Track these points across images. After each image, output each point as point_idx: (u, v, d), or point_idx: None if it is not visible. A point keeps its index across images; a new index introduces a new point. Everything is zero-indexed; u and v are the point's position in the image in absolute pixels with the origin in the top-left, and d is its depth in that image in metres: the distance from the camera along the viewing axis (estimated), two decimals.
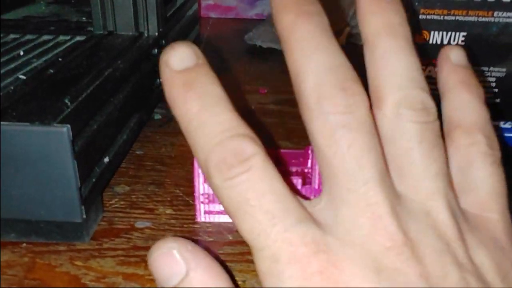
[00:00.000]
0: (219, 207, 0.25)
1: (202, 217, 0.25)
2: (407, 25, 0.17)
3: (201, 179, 0.24)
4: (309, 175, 0.27)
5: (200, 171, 0.24)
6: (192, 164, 0.25)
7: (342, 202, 0.15)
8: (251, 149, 0.14)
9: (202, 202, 0.25)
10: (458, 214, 0.16)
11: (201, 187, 0.25)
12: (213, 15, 0.71)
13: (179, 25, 0.45)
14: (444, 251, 0.14)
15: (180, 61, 0.16)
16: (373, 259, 0.14)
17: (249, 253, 0.23)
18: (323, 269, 0.14)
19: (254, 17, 0.70)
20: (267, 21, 0.58)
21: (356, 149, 0.14)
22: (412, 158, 0.15)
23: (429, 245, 0.14)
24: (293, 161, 0.28)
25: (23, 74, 0.27)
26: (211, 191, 0.24)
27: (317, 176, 0.25)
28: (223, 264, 0.19)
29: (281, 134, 0.36)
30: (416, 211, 0.15)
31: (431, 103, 0.16)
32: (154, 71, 0.36)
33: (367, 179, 0.14)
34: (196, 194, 0.25)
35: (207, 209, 0.25)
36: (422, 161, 0.15)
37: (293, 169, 0.27)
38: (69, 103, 0.23)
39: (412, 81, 0.16)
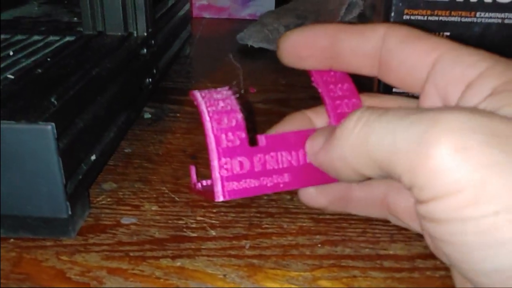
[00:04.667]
0: (241, 179, 0.20)
1: (225, 195, 0.20)
2: None
3: (218, 143, 0.19)
4: None
5: (215, 133, 0.19)
6: (203, 125, 0.20)
7: None
8: None
9: (220, 174, 0.20)
10: None
11: (220, 151, 0.20)
12: (206, 15, 0.71)
13: (170, 25, 0.46)
14: None
15: None
16: None
17: (230, 248, 0.24)
18: None
19: (247, 17, 0.71)
20: (258, 22, 0.59)
21: None
22: None
23: None
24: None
25: (11, 74, 0.27)
26: (231, 158, 0.20)
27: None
28: None
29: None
30: None
31: None
32: (143, 71, 0.36)
33: None
34: (214, 164, 0.19)
35: (226, 182, 0.20)
36: None
37: None
38: (55, 102, 0.23)
39: None
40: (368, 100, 0.22)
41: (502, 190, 0.13)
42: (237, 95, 0.21)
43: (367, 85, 0.37)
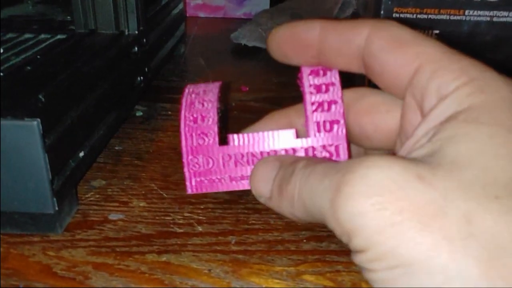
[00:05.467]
0: (210, 175, 0.22)
1: (193, 188, 0.22)
2: None
3: (189, 141, 0.22)
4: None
5: (186, 132, 0.21)
6: (179, 124, 0.22)
7: None
8: None
9: (190, 169, 0.22)
10: None
11: (188, 150, 0.22)
12: (201, 14, 0.72)
13: (163, 24, 0.46)
14: None
15: None
16: None
17: (216, 243, 0.24)
18: None
19: (242, 17, 0.71)
20: (252, 21, 0.59)
21: None
22: None
23: None
24: None
25: (1, 71, 0.27)
26: (201, 156, 0.21)
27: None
28: None
29: None
30: None
31: None
32: (134, 69, 0.37)
33: None
34: (184, 160, 0.22)
35: (196, 177, 0.22)
36: None
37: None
38: (42, 99, 0.23)
39: None
40: (362, 101, 0.22)
41: (397, 249, 0.14)
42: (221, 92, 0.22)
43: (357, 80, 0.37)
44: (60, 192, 0.24)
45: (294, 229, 0.25)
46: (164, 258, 0.23)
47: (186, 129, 0.21)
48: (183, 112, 0.22)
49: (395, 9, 0.35)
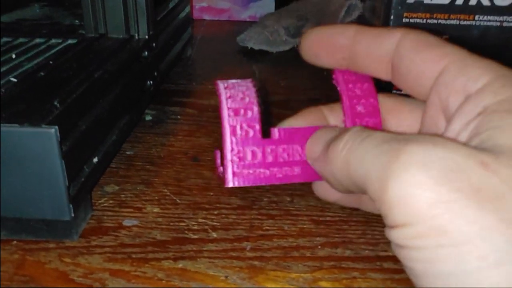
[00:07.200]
0: (250, 168, 0.21)
1: (234, 181, 0.21)
2: None
3: (232, 133, 0.21)
4: None
5: (230, 123, 0.21)
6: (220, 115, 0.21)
7: None
8: None
9: (232, 161, 0.21)
10: None
11: (232, 141, 0.21)
12: (206, 17, 0.72)
13: (171, 27, 0.46)
14: None
15: None
16: None
17: (232, 250, 0.24)
18: None
19: (248, 19, 0.71)
20: (259, 23, 0.59)
21: None
22: None
23: None
24: None
25: (14, 77, 0.27)
26: (243, 148, 0.21)
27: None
28: None
29: None
30: None
31: None
32: (144, 73, 0.37)
33: None
34: (226, 151, 0.21)
35: (237, 169, 0.21)
36: None
37: None
38: (58, 105, 0.23)
39: None
40: (387, 101, 0.23)
41: (449, 226, 0.13)
42: (257, 88, 0.22)
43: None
44: (76, 199, 0.24)
45: (308, 235, 0.25)
46: (180, 264, 0.23)
47: (230, 120, 0.21)
48: (224, 104, 0.21)
49: (405, 14, 0.35)
